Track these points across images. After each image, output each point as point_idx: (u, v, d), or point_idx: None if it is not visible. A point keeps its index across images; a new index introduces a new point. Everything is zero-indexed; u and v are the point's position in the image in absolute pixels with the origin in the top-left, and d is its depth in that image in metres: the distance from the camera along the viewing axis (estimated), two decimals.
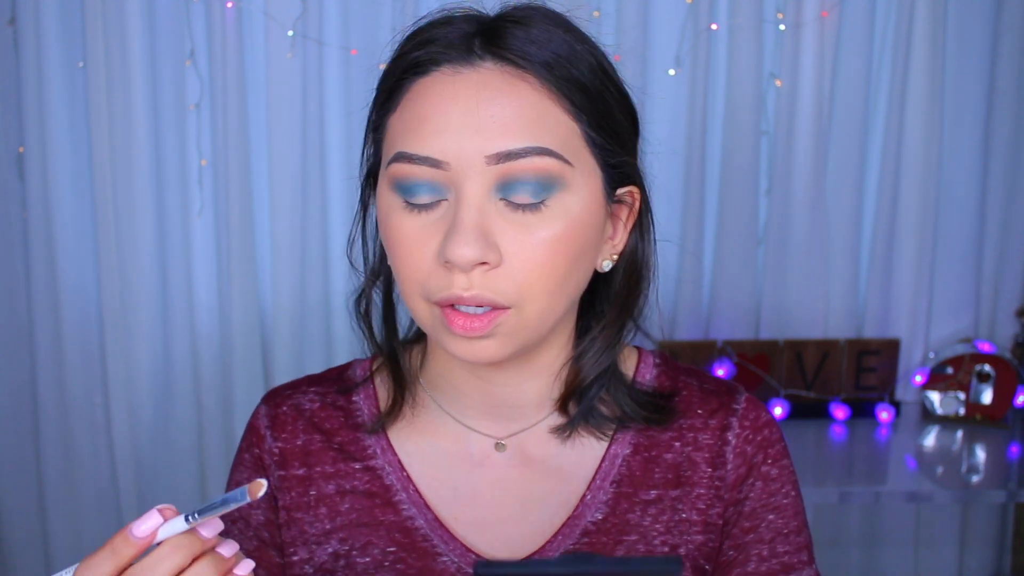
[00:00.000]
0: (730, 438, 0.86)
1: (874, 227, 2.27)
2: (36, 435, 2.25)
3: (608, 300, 0.84)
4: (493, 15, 0.77)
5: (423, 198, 0.74)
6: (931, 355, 2.28)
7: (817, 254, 2.23)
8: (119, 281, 2.16)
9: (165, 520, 0.64)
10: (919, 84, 2.16)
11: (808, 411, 2.21)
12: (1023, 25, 2.17)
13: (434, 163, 0.72)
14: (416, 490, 0.85)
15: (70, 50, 2.11)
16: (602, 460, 0.86)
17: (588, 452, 0.86)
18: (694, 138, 2.16)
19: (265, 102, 2.14)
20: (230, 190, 2.13)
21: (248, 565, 0.66)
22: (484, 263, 0.72)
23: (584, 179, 0.75)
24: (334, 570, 0.85)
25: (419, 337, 0.90)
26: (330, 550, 0.85)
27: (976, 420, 2.18)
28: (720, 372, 2.12)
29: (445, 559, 0.84)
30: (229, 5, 2.06)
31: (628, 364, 0.90)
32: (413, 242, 0.74)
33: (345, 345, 2.22)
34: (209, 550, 0.64)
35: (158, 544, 0.63)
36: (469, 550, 0.84)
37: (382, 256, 0.84)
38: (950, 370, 2.21)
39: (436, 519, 0.84)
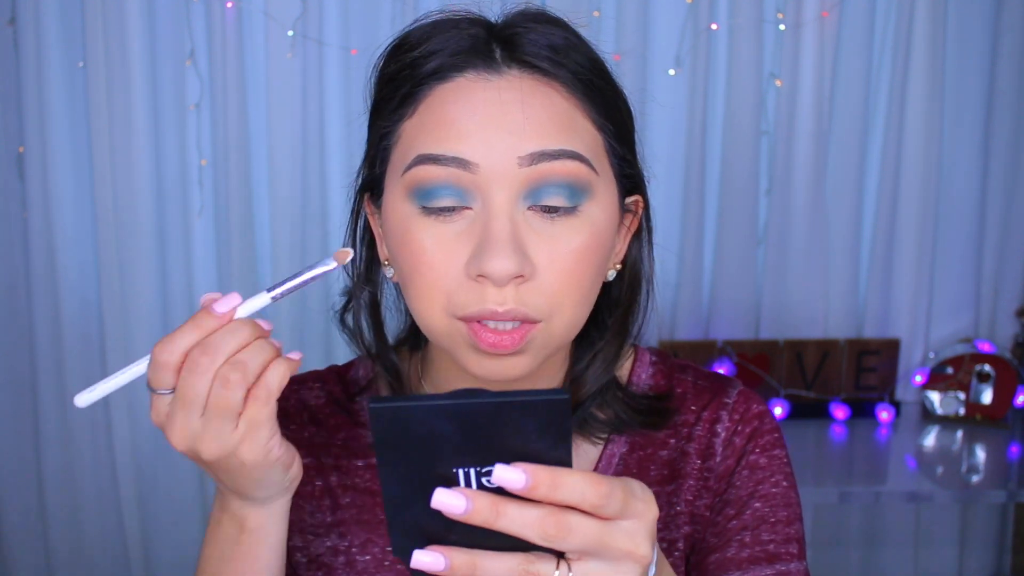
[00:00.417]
0: (719, 430, 0.85)
1: (874, 227, 2.27)
2: (36, 435, 2.25)
3: (608, 310, 0.84)
4: (500, 21, 0.76)
5: (443, 201, 0.70)
6: (931, 355, 2.28)
7: (817, 254, 2.23)
8: (119, 281, 2.16)
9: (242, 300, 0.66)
10: (919, 84, 2.16)
11: (808, 411, 2.21)
12: (1023, 25, 2.17)
13: (462, 164, 0.69)
14: None
15: (70, 50, 2.12)
16: (599, 460, 0.86)
17: (585, 452, 0.86)
18: (694, 138, 2.16)
19: (265, 102, 2.14)
20: (230, 190, 2.13)
21: (298, 353, 0.69)
22: (519, 276, 0.69)
23: (605, 189, 0.74)
24: (331, 565, 0.85)
25: (406, 338, 0.89)
26: (328, 543, 0.86)
27: (976, 420, 2.18)
28: (720, 372, 2.12)
29: None
30: (229, 5, 2.06)
31: (624, 363, 0.89)
32: (435, 253, 0.71)
33: (345, 345, 2.21)
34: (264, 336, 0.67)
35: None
36: None
37: (367, 266, 0.83)
38: (950, 370, 2.21)
39: None
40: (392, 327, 0.88)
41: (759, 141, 2.19)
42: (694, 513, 0.85)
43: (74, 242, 2.18)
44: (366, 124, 0.80)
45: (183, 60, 2.12)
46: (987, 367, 2.19)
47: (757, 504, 0.83)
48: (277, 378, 0.65)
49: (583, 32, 0.77)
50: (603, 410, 0.85)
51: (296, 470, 0.71)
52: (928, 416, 2.22)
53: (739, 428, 0.86)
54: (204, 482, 2.28)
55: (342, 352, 2.23)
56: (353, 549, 0.85)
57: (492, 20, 0.76)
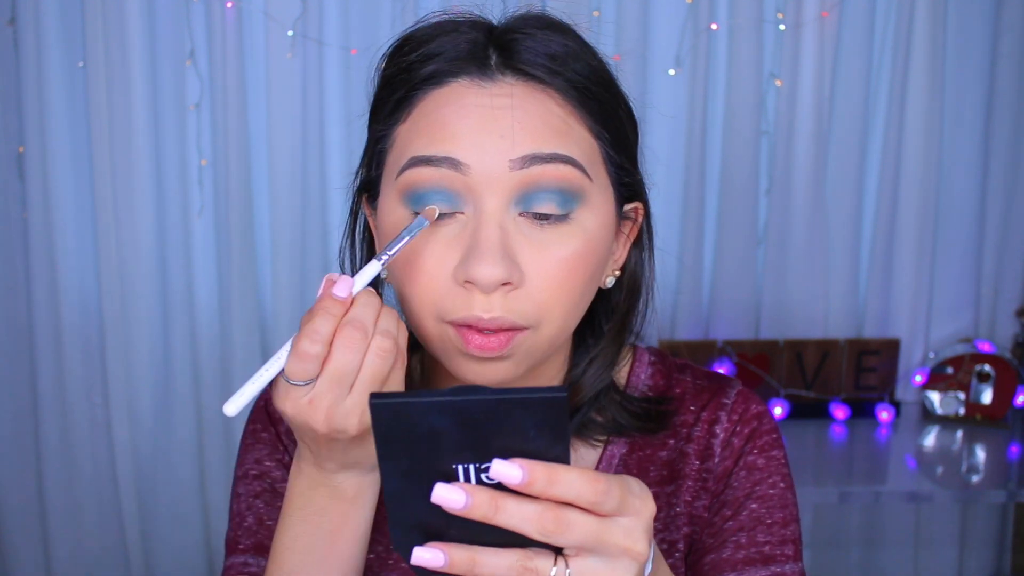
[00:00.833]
0: (718, 431, 0.85)
1: (874, 227, 2.27)
2: (36, 435, 2.25)
3: (607, 315, 0.84)
4: (501, 25, 0.75)
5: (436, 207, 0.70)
6: (931, 355, 2.28)
7: (817, 254, 2.23)
8: (119, 281, 2.16)
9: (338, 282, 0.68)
10: (919, 84, 2.16)
11: (808, 411, 2.21)
12: (1023, 25, 2.17)
13: (454, 164, 0.69)
14: None
15: (70, 50, 2.12)
16: (599, 461, 0.85)
17: (585, 454, 0.86)
18: (694, 138, 2.16)
19: (265, 102, 2.14)
20: (230, 190, 2.13)
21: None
22: (507, 283, 0.69)
23: (600, 196, 0.74)
24: None
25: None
26: None
27: (976, 420, 2.18)
28: (720, 371, 2.12)
29: None
30: (229, 5, 2.06)
31: (622, 364, 0.89)
32: (427, 258, 0.71)
33: None
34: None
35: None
36: None
37: None
38: (950, 370, 2.21)
39: None
40: None
41: (759, 141, 2.19)
42: (692, 514, 0.84)
43: (74, 242, 2.18)
44: (367, 124, 0.80)
45: (183, 60, 2.12)
46: (987, 367, 2.19)
47: (754, 505, 0.83)
48: (404, 338, 0.68)
49: (583, 34, 0.77)
50: (601, 413, 0.85)
51: None
52: (928, 416, 2.22)
53: (738, 429, 0.85)
54: (204, 482, 2.28)
55: None
56: None
57: (495, 22, 0.76)
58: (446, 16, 0.76)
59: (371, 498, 0.74)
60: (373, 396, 0.53)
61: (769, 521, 0.83)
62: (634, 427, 0.84)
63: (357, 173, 0.81)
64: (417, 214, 0.71)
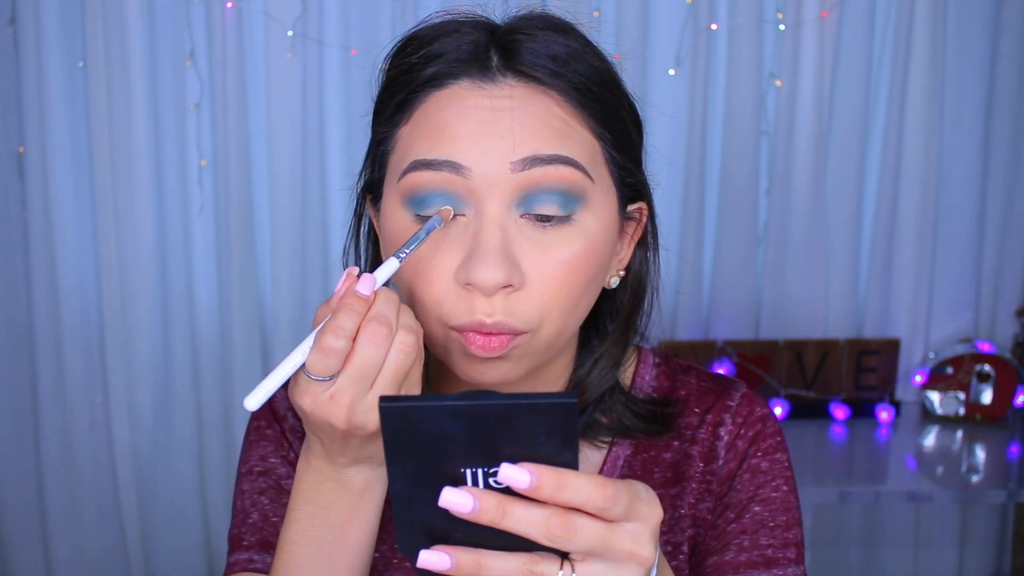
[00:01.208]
0: (722, 433, 0.85)
1: (874, 227, 2.27)
2: (36, 435, 2.25)
3: (611, 315, 0.84)
4: (503, 25, 0.75)
5: (437, 210, 0.70)
6: (931, 355, 2.28)
7: (817, 254, 2.23)
8: (119, 281, 2.16)
9: (353, 278, 0.68)
10: (919, 84, 2.16)
11: (808, 411, 2.21)
12: (1023, 25, 2.17)
13: (455, 168, 0.69)
14: None
15: (70, 50, 2.11)
16: (604, 462, 0.85)
17: (589, 455, 0.86)
18: (694, 138, 2.16)
19: (265, 102, 2.14)
20: (230, 190, 2.13)
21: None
22: (508, 285, 0.69)
23: (602, 197, 0.74)
24: None
25: None
26: None
27: (976, 420, 2.18)
28: (720, 372, 2.12)
29: None
30: (229, 5, 2.06)
31: (627, 365, 0.89)
32: (428, 260, 0.71)
33: None
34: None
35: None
36: None
37: (372, 267, 0.83)
38: (950, 370, 2.21)
39: None
40: None
41: (759, 141, 2.19)
42: (696, 516, 0.84)
43: (74, 242, 2.18)
44: (369, 124, 0.80)
45: (183, 60, 2.12)
46: (987, 367, 2.19)
47: (757, 508, 0.83)
48: (422, 335, 0.69)
49: (586, 33, 0.76)
50: (606, 415, 0.85)
51: None
52: (928, 416, 2.22)
53: (742, 431, 0.85)
54: (204, 482, 2.28)
55: None
56: None
57: (498, 22, 0.75)
58: (449, 16, 0.75)
59: (380, 492, 0.73)
60: (382, 399, 0.53)
61: (772, 524, 0.83)
62: (639, 429, 0.84)
63: (360, 174, 0.81)
64: (419, 216, 0.71)
